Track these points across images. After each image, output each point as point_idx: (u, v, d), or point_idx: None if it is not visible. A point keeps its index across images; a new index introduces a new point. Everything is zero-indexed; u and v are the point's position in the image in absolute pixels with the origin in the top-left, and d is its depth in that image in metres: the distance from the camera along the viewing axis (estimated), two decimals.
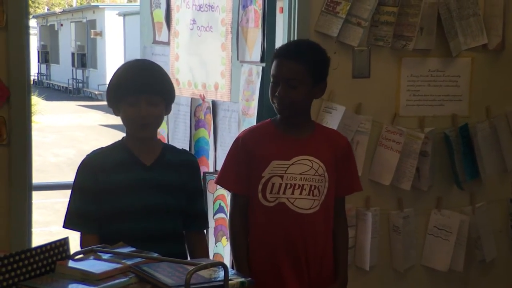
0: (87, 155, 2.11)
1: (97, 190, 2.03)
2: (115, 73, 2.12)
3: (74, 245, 1.57)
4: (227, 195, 3.07)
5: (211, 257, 3.19)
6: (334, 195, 2.27)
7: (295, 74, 2.17)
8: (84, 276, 1.47)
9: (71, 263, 1.53)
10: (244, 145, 2.24)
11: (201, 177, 2.25)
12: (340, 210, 2.33)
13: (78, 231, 2.06)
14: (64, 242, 1.57)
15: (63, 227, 2.07)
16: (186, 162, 2.16)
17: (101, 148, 2.13)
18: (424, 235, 2.99)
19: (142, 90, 2.04)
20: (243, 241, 2.26)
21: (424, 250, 2.99)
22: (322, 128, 2.37)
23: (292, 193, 2.19)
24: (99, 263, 1.55)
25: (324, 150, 2.25)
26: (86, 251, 1.60)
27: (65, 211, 2.08)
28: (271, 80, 2.22)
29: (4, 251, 2.22)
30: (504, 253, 3.10)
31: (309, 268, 2.23)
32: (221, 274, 1.51)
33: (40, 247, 1.53)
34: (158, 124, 2.13)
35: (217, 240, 3.19)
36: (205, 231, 2.33)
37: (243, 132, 2.33)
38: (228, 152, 2.30)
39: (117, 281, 1.47)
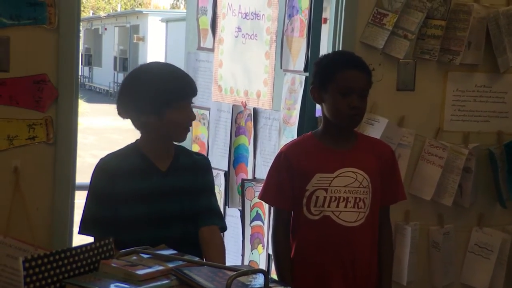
0: (103, 159, 2.08)
1: (114, 196, 2.00)
2: (148, 78, 2.05)
3: None
4: (265, 203, 3.07)
5: (246, 263, 3.19)
6: (378, 206, 2.26)
7: (367, 84, 2.21)
8: (126, 276, 1.49)
9: (114, 263, 1.55)
10: (287, 160, 2.24)
11: (212, 176, 2.21)
12: (385, 220, 2.31)
13: (93, 236, 1.99)
14: (108, 242, 1.60)
15: (79, 233, 2.04)
16: (199, 165, 2.14)
17: (115, 152, 2.10)
18: (464, 252, 2.94)
19: (190, 94, 2.07)
20: (287, 255, 2.25)
21: (463, 268, 2.94)
22: (364, 137, 2.36)
23: (337, 206, 2.18)
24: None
25: (368, 161, 2.24)
26: (129, 252, 1.62)
27: (81, 217, 2.04)
28: (341, 92, 2.16)
29: (46, 249, 2.27)
30: None
31: (356, 280, 2.22)
32: (259, 281, 1.51)
33: (85, 245, 1.55)
34: None
35: (253, 248, 3.20)
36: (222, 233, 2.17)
37: (285, 147, 2.33)
38: (271, 167, 2.30)
39: (158, 283, 1.48)
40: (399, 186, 2.35)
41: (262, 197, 2.31)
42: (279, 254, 2.26)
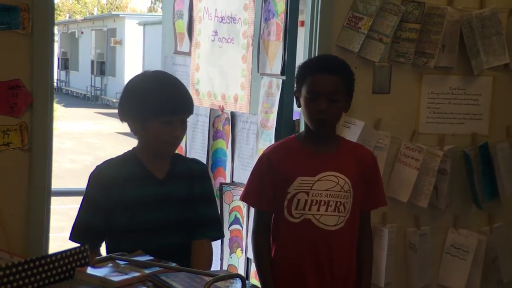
0: (99, 167, 2.07)
1: (109, 205, 2.00)
2: (138, 87, 2.06)
3: None
4: (243, 207, 3.08)
5: (225, 268, 3.19)
6: (359, 210, 2.27)
7: (337, 88, 2.19)
8: (102, 284, 1.48)
9: (90, 270, 1.54)
10: (270, 162, 2.25)
11: (212, 185, 2.21)
12: (366, 224, 2.33)
13: (81, 244, 2.01)
14: (84, 249, 1.58)
15: (70, 239, 2.04)
16: (197, 172, 2.14)
17: (112, 160, 2.10)
18: (440, 253, 2.97)
19: (177, 110, 2.04)
20: (267, 257, 2.26)
21: (440, 269, 2.97)
22: (347, 142, 2.37)
23: (318, 210, 2.19)
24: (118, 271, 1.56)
25: (350, 165, 2.25)
26: (105, 258, 1.61)
27: (73, 223, 2.05)
28: (309, 95, 2.19)
29: (22, 256, 2.24)
30: None
31: (334, 281, 2.23)
32: (237, 285, 1.51)
33: (60, 253, 1.54)
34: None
35: (231, 252, 3.19)
36: (216, 242, 2.20)
37: (268, 149, 2.33)
38: (253, 169, 2.31)
39: None
40: (380, 192, 2.36)
41: (244, 198, 2.32)
42: (260, 255, 2.27)
